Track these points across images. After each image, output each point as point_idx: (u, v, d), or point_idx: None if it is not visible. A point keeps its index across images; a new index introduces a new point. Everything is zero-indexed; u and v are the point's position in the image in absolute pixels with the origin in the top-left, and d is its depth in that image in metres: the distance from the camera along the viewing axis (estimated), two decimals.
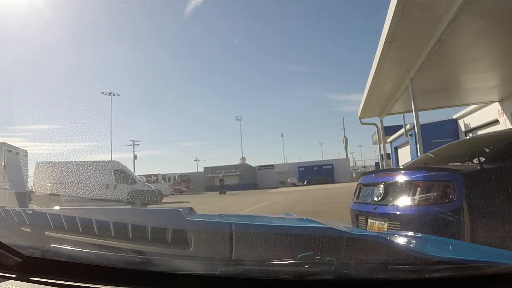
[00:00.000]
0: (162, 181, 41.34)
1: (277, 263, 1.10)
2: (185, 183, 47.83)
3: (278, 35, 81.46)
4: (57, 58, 47.05)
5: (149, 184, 22.18)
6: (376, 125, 14.62)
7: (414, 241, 1.54)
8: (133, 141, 53.78)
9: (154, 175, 43.50)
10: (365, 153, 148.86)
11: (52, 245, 1.36)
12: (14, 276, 1.27)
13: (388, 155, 44.24)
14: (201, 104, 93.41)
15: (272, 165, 55.24)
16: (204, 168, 55.34)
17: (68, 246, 1.36)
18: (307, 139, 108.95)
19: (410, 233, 2.07)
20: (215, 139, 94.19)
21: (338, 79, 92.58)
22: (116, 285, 1.16)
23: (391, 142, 27.00)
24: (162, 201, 22.28)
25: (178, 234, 1.39)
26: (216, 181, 41.44)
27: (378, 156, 50.82)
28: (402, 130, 19.87)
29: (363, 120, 14.23)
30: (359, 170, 59.64)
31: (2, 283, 1.22)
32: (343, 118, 65.69)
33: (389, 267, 1.02)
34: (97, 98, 41.81)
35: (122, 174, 17.88)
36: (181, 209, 1.47)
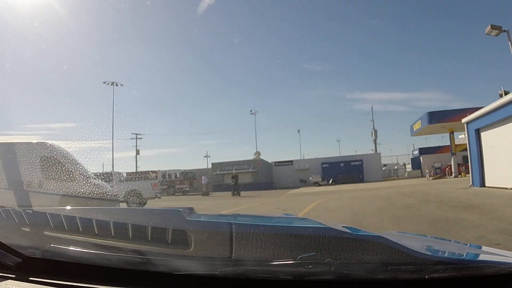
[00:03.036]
0: (156, 179, 33.78)
1: (277, 263, 1.12)
2: (188, 182, 39.80)
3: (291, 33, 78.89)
4: (60, 54, 45.74)
5: (103, 183, 13.78)
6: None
7: (414, 241, 1.63)
8: (136, 134, 48.06)
9: (153, 171, 37.21)
10: (393, 147, 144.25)
11: (52, 245, 1.38)
12: (14, 276, 1.28)
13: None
14: (214, 98, 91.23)
15: (291, 161, 47.62)
16: (212, 164, 46.57)
17: (68, 246, 1.38)
18: (323, 137, 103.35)
19: (410, 233, 2.34)
20: (228, 134, 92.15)
21: (352, 77, 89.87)
22: (116, 285, 1.17)
23: (467, 123, 18.75)
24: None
25: (178, 234, 1.39)
26: (227, 178, 35.23)
27: (412, 151, 48.65)
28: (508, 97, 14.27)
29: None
30: (396, 168, 57.05)
31: (2, 283, 1.24)
32: (372, 108, 55.98)
33: (389, 267, 1.03)
34: (102, 88, 39.90)
35: (53, 165, 9.65)
36: (181, 209, 1.47)
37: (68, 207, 1.73)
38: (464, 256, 1.45)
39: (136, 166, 47.35)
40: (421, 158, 44.63)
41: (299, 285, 1.08)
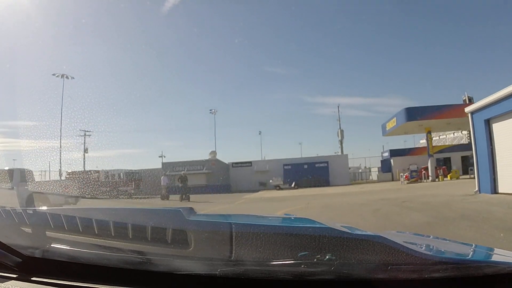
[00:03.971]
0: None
1: (277, 263, 1.12)
2: (134, 183, 33.89)
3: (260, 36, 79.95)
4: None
5: None
6: None
7: (414, 241, 1.64)
8: (84, 131, 41.96)
9: (95, 171, 33.24)
10: (355, 152, 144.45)
11: (52, 245, 1.38)
12: (14, 276, 1.29)
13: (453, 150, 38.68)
14: (173, 98, 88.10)
15: (250, 162, 43.40)
16: (163, 164, 41.75)
17: (68, 246, 1.38)
18: (286, 140, 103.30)
19: (410, 233, 2.34)
20: (187, 134, 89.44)
21: (314, 82, 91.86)
22: (116, 285, 1.18)
23: (472, 113, 15.04)
24: None
25: (178, 234, 1.40)
26: (166, 180, 28.44)
27: (382, 153, 45.72)
28: None
29: None
30: (360, 171, 52.88)
31: (2, 283, 1.25)
32: (338, 106, 51.81)
33: (389, 267, 1.04)
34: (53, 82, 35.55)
35: None
36: (181, 209, 1.49)
37: (68, 207, 1.97)
38: (464, 256, 1.48)
39: (84, 165, 42.40)
40: (391, 160, 41.46)
41: (299, 285, 1.08)
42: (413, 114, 27.73)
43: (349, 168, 50.08)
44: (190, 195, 23.18)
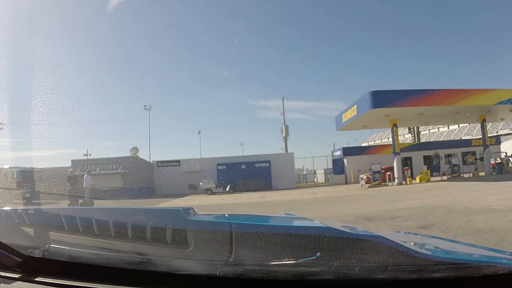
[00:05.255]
0: None
1: (277, 263, 1.12)
2: (31, 184, 25.46)
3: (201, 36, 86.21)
4: None
5: None
6: None
7: (414, 241, 1.66)
8: None
9: None
10: (297, 155, 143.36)
11: (52, 245, 1.38)
12: (13, 276, 1.29)
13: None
14: (108, 96, 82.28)
15: (178, 161, 36.40)
16: (72, 161, 32.68)
17: (68, 246, 1.39)
18: (227, 141, 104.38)
19: (410, 233, 2.35)
20: (118, 131, 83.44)
21: (258, 85, 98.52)
22: (116, 285, 1.18)
23: None
24: None
25: (178, 234, 1.40)
26: (94, 180, 22.53)
27: (332, 152, 40.31)
28: None
29: None
30: (305, 172, 46.83)
31: (2, 283, 1.25)
32: (282, 98, 45.77)
33: (389, 267, 1.03)
34: None
35: None
36: (181, 209, 1.49)
37: (68, 207, 1.87)
38: (464, 256, 1.45)
39: None
40: (345, 160, 35.82)
41: (299, 285, 1.08)
42: (380, 99, 22.24)
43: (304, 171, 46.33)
44: (101, 200, 19.04)
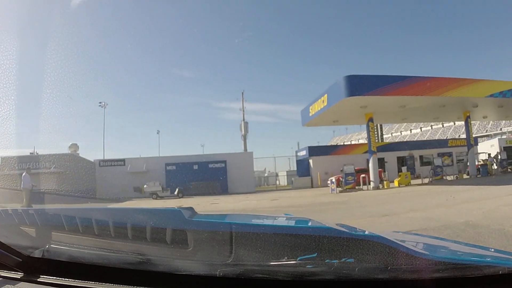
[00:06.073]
0: None
1: (277, 264, 1.12)
2: None
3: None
4: None
5: None
6: None
7: (414, 241, 1.61)
8: None
9: None
10: (265, 154, 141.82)
11: (51, 245, 1.39)
12: (13, 275, 1.30)
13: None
14: (61, 91, 78.14)
15: (123, 160, 31.98)
16: (1, 158, 27.25)
17: (67, 246, 1.39)
18: (187, 142, 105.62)
19: (410, 233, 2.28)
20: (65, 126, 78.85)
21: (221, 87, 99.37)
22: (116, 284, 1.18)
23: None
24: None
25: (178, 234, 1.40)
26: (16, 180, 18.68)
27: (296, 152, 36.68)
28: None
29: None
30: (266, 175, 43.17)
31: (5, 284, 1.25)
32: (242, 93, 42.03)
33: (389, 267, 1.03)
34: None
35: None
36: (181, 209, 1.48)
37: (68, 207, 1.74)
38: (464, 256, 1.45)
39: None
40: (310, 161, 32.21)
41: (299, 285, 1.07)
42: (357, 85, 18.61)
43: (254, 172, 41.64)
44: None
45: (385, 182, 21.34)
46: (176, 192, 27.06)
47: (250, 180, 31.82)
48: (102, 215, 1.62)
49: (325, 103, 20.75)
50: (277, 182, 39.27)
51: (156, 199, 26.11)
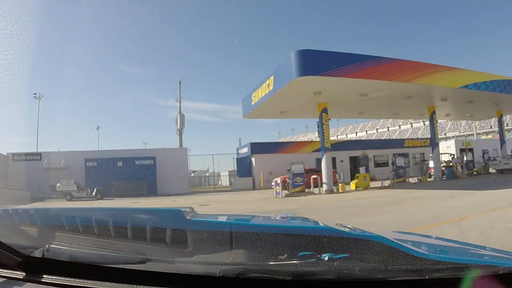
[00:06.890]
0: None
1: (277, 263, 1.11)
2: None
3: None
4: None
5: None
6: None
7: (414, 241, 1.58)
8: None
9: None
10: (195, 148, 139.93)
11: (52, 245, 1.36)
12: (13, 275, 1.28)
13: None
14: None
15: (39, 154, 27.64)
16: None
17: (67, 246, 1.37)
18: (131, 140, 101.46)
19: (410, 233, 2.19)
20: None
21: (168, 85, 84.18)
22: (117, 283, 1.17)
23: None
24: None
25: (178, 234, 1.39)
26: None
27: (237, 150, 32.85)
28: None
29: None
30: (207, 175, 38.98)
31: (2, 283, 1.24)
32: (180, 82, 38.44)
33: (389, 267, 1.03)
34: None
35: None
36: (181, 209, 1.46)
37: (68, 207, 1.67)
38: (464, 256, 1.45)
39: None
40: (253, 159, 28.45)
41: (299, 285, 1.07)
42: (312, 63, 14.85)
43: (194, 172, 38.86)
44: None
45: (340, 185, 18.55)
46: (93, 193, 23.22)
47: (184, 180, 28.05)
48: (102, 215, 1.60)
49: (271, 87, 16.83)
50: (220, 182, 36.55)
51: (70, 200, 22.43)
